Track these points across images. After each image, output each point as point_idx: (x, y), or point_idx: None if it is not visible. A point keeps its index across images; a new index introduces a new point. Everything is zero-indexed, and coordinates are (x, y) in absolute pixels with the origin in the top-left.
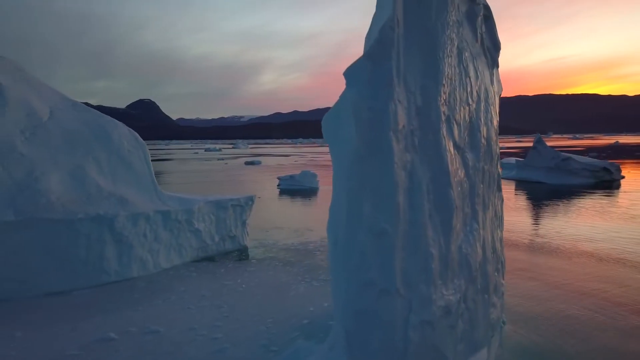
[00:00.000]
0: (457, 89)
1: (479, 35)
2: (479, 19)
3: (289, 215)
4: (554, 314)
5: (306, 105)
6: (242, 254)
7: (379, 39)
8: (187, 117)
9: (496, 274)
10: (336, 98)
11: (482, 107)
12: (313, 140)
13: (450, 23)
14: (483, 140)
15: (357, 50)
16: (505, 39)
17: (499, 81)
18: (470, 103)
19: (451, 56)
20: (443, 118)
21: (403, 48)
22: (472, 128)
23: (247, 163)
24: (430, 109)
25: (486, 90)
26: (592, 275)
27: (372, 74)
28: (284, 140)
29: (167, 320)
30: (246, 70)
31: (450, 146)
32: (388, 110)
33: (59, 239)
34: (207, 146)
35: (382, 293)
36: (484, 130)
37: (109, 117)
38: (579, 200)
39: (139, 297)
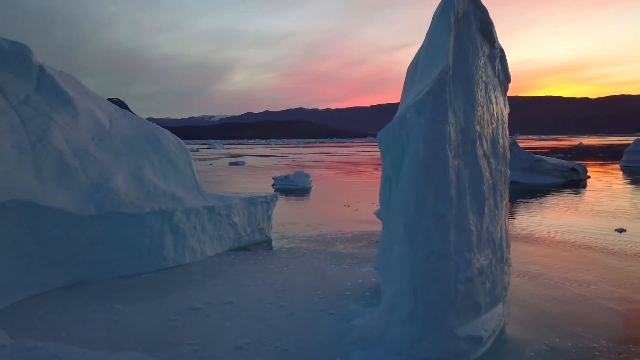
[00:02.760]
0: (485, 113)
1: (496, 71)
2: (497, 59)
3: (296, 212)
4: (545, 290)
5: (278, 105)
6: (269, 244)
7: (438, 81)
8: (156, 116)
9: (506, 249)
10: (308, 98)
11: (500, 125)
12: (287, 140)
13: (480, 65)
14: (501, 149)
15: (329, 51)
16: None
17: (507, 104)
18: (492, 122)
19: (481, 89)
20: (477, 134)
21: (452, 86)
22: (494, 140)
23: (231, 164)
24: (469, 127)
25: (501, 112)
26: (569, 258)
27: (433, 105)
28: (256, 141)
29: (236, 295)
30: (217, 69)
31: (481, 154)
32: (445, 130)
33: (129, 230)
34: None
35: (440, 258)
36: (501, 141)
37: (155, 124)
38: (552, 197)
39: (199, 279)
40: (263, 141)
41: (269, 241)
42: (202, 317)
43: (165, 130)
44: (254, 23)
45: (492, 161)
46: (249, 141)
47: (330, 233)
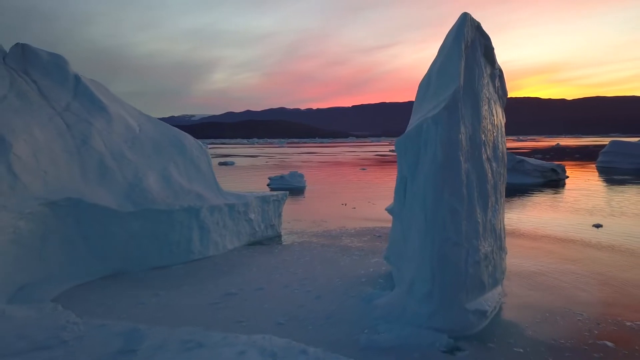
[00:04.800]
0: (488, 123)
1: (496, 87)
2: (497, 78)
3: (298, 210)
4: (535, 275)
5: (259, 104)
6: (280, 239)
7: (452, 98)
8: None
9: (504, 239)
10: (290, 98)
11: (499, 133)
12: (269, 140)
13: (484, 84)
14: (500, 154)
15: (309, 50)
16: None
17: (504, 115)
18: (494, 131)
19: (485, 104)
20: (482, 141)
21: (462, 102)
22: (495, 147)
23: (220, 164)
24: (475, 136)
25: (500, 122)
26: (553, 250)
27: (448, 119)
28: (238, 140)
29: (264, 282)
30: (197, 68)
31: (485, 158)
32: (458, 139)
33: (162, 226)
34: None
35: (454, 245)
36: (500, 147)
37: (177, 129)
38: (534, 196)
39: (226, 269)
40: (245, 141)
41: (279, 236)
42: (240, 301)
43: (187, 135)
44: (235, 22)
45: (494, 164)
46: (231, 141)
47: (335, 229)
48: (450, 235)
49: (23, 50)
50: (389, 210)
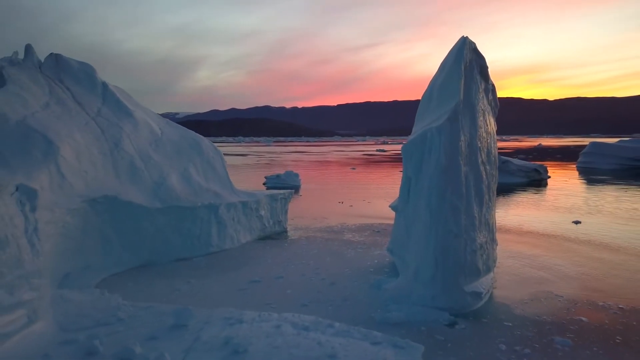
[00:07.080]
0: (483, 132)
1: (489, 100)
2: (490, 92)
3: (298, 208)
4: (521, 264)
5: (244, 102)
6: (287, 234)
7: (454, 111)
8: None
9: (495, 232)
10: (275, 96)
11: (492, 140)
12: (255, 139)
13: (480, 98)
14: (493, 158)
15: (295, 49)
16: (435, 44)
17: (496, 124)
18: (487, 138)
19: (481, 115)
20: (478, 147)
21: (462, 114)
22: (488, 152)
23: None
24: (473, 143)
25: (492, 130)
26: (536, 243)
27: (450, 128)
28: (224, 139)
29: (282, 271)
30: (182, 66)
31: (480, 162)
32: (459, 146)
33: (185, 221)
34: None
35: (455, 236)
36: (493, 152)
37: (194, 132)
38: (518, 195)
39: (243, 260)
40: (231, 139)
41: (286, 231)
42: (265, 287)
43: (203, 137)
44: (220, 20)
45: (487, 167)
46: (217, 139)
47: (336, 225)
48: (451, 228)
49: (57, 60)
50: (393, 207)
